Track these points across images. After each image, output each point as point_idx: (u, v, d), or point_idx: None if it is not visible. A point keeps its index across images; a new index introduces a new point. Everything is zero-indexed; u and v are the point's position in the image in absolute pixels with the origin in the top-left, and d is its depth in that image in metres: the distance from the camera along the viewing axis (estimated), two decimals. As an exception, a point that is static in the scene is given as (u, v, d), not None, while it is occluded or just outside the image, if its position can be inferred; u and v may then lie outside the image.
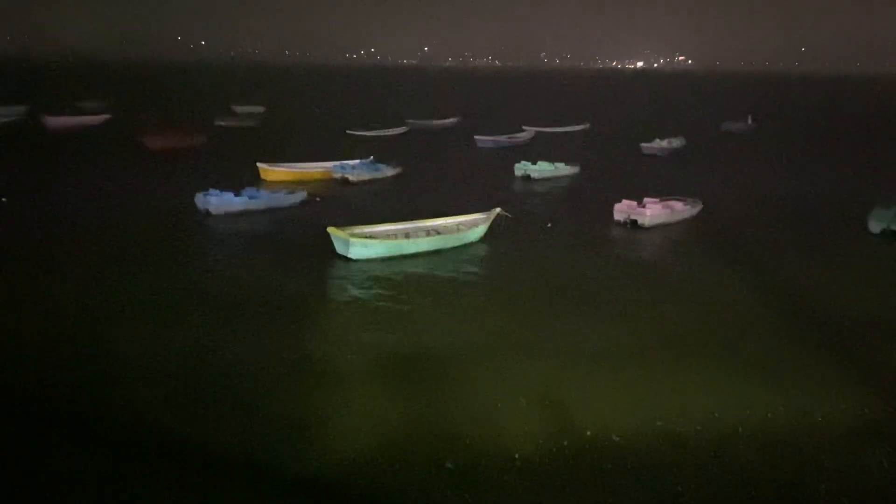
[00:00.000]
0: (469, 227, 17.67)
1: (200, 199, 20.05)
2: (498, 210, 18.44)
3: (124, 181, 24.40)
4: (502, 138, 38.65)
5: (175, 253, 16.11)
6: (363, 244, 15.65)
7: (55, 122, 40.02)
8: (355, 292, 13.80)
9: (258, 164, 25.54)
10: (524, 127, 43.10)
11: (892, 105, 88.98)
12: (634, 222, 19.66)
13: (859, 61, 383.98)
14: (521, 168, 27.95)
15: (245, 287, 13.92)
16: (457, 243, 17.04)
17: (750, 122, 50.30)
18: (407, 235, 16.78)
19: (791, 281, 15.23)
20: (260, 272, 14.93)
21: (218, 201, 19.87)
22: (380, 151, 30.39)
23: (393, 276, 14.76)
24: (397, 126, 43.10)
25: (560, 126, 46.69)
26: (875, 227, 19.07)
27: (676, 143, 37.71)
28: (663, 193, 21.79)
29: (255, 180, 24.32)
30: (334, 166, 26.43)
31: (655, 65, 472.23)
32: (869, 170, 31.80)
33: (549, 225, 19.66)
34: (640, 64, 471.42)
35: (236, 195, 20.40)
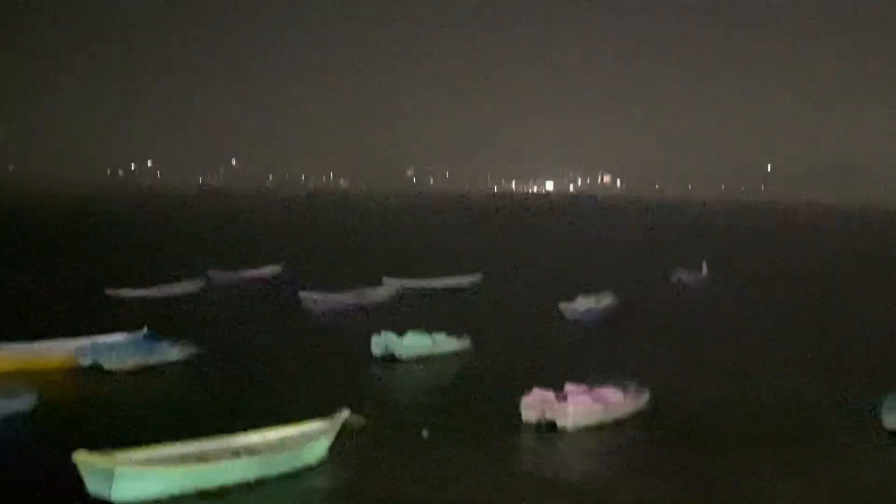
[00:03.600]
0: (302, 442, 17.39)
1: None
2: (346, 414, 18.33)
3: None
4: (347, 297, 39.22)
5: None
6: (133, 476, 14.80)
7: None
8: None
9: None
10: (384, 279, 44.04)
11: (872, 240, 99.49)
12: (553, 425, 19.86)
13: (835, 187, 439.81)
14: (381, 343, 28.08)
15: None
16: (285, 469, 16.65)
17: (704, 271, 54.10)
18: (204, 459, 16.20)
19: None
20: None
21: None
22: (160, 321, 30.15)
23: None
24: (191, 278, 43.13)
25: (440, 278, 48.06)
26: (893, 421, 20.27)
27: (607, 300, 39.50)
28: (592, 378, 22.29)
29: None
30: (81, 347, 25.67)
31: (572, 187, 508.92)
32: (858, 335, 34.59)
33: (426, 434, 19.50)
34: (549, 186, 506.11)
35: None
